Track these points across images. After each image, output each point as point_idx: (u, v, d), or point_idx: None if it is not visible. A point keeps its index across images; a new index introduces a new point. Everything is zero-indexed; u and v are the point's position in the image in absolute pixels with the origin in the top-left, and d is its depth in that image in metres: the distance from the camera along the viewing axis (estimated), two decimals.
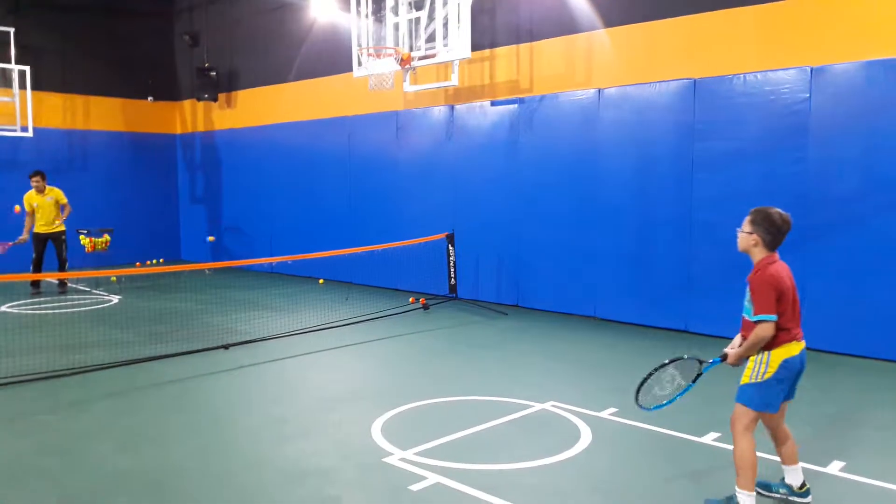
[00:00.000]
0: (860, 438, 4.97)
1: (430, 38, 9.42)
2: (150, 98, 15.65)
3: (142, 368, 6.81)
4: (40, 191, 11.35)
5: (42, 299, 10.82)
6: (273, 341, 7.93)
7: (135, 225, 14.85)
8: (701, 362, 3.86)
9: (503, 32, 10.02)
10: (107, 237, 11.87)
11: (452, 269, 10.09)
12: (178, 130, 16.17)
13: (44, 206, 11.33)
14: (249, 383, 6.36)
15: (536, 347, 7.66)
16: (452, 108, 10.52)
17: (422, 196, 10.99)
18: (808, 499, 3.87)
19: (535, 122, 9.53)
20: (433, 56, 9.26)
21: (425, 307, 9.83)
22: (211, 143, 15.24)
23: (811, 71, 7.29)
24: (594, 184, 8.96)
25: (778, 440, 3.91)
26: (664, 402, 3.80)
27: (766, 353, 3.66)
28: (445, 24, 9.09)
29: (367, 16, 9.79)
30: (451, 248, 10.02)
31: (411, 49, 9.46)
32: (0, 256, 11.10)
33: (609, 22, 9.00)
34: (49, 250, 11.47)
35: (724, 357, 3.76)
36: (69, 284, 11.92)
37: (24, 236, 11.33)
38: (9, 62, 12.86)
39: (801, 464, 3.96)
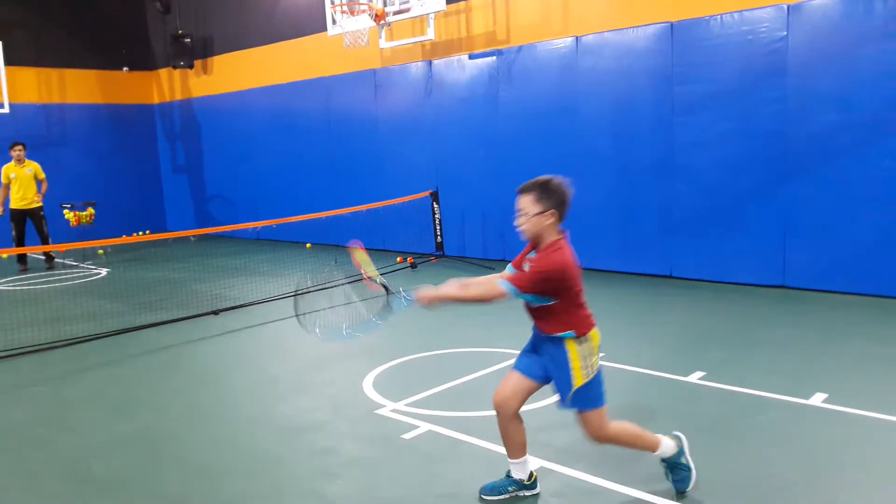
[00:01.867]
0: (839, 369, 5.05)
1: None
2: (125, 69, 15.38)
3: (134, 337, 6.82)
4: (20, 161, 11.11)
5: (31, 275, 10.75)
6: (263, 305, 7.92)
7: (118, 197, 14.74)
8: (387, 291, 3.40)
9: None
10: (91, 210, 11.76)
11: (438, 227, 10.07)
12: (156, 100, 15.92)
13: (22, 178, 11.09)
14: (241, 347, 6.39)
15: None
16: (430, 63, 10.38)
17: (404, 154, 10.90)
18: (538, 489, 3.38)
19: (513, 74, 9.42)
20: (408, 11, 9.12)
21: (413, 266, 9.82)
22: (189, 111, 15.02)
23: (788, 8, 7.22)
24: (575, 133, 8.90)
25: (511, 428, 3.26)
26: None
27: (585, 344, 3.10)
28: None
29: None
30: (435, 205, 9.99)
31: (385, 4, 9.28)
32: None
33: None
34: (30, 229, 11.32)
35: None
36: (56, 259, 11.85)
37: (0, 209, 11.10)
38: None
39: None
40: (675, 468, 3.28)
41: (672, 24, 7.99)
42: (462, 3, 9.98)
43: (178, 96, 15.32)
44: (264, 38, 13.17)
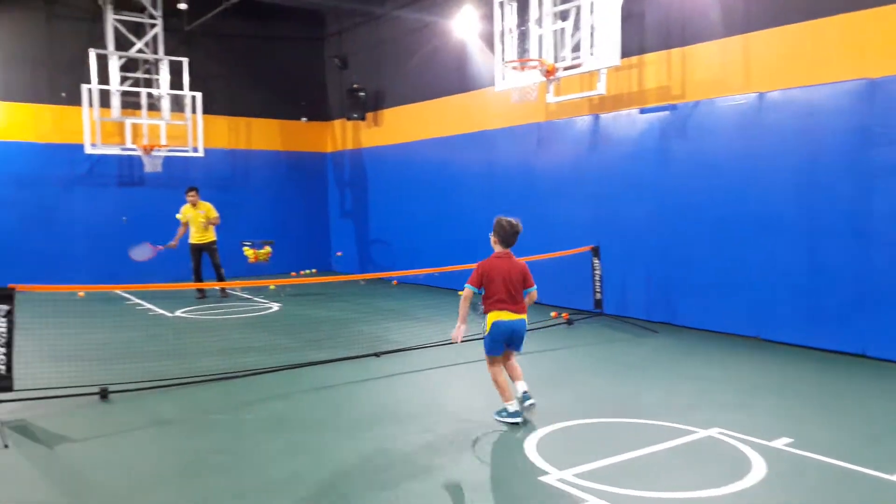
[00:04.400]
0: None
1: (576, 48, 9.16)
2: (303, 119, 16.37)
3: (302, 373, 7.01)
4: (193, 205, 12.13)
5: (208, 305, 11.49)
6: (420, 351, 7.93)
7: (290, 236, 15.54)
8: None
9: (653, 37, 9.57)
10: (268, 248, 12.47)
11: (598, 284, 9.69)
12: (329, 149, 16.80)
13: (195, 219, 12.10)
14: (399, 392, 6.37)
15: (693, 369, 7.13)
16: (597, 117, 10.17)
17: (564, 208, 10.69)
18: (532, 400, 5.41)
19: (688, 130, 9.01)
20: (579, 66, 8.99)
21: (569, 322, 9.52)
22: (359, 160, 15.70)
23: None
24: (754, 194, 8.30)
25: (508, 369, 5.51)
26: None
27: (484, 316, 5.32)
28: (592, 33, 8.80)
29: (510, 29, 9.68)
30: (596, 261, 9.64)
31: (556, 60, 9.23)
32: (149, 261, 11.94)
33: (769, 22, 8.35)
34: (205, 260, 12.21)
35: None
36: (230, 292, 12.64)
37: (173, 243, 12.06)
38: (183, 89, 13.85)
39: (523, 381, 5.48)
40: (503, 412, 5.35)
41: (872, 81, 7.29)
42: (635, 58, 9.74)
43: (350, 146, 16.08)
44: (432, 92, 13.53)
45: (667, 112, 9.26)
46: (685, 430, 5.16)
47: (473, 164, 12.40)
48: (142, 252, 11.82)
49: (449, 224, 13.04)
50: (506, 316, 5.22)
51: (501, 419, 5.35)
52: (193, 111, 13.86)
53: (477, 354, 7.72)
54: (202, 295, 12.22)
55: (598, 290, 9.68)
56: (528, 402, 5.38)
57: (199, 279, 12.14)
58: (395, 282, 13.88)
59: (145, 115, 13.52)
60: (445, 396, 6.30)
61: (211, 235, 12.19)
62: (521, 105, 10.51)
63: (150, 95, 13.66)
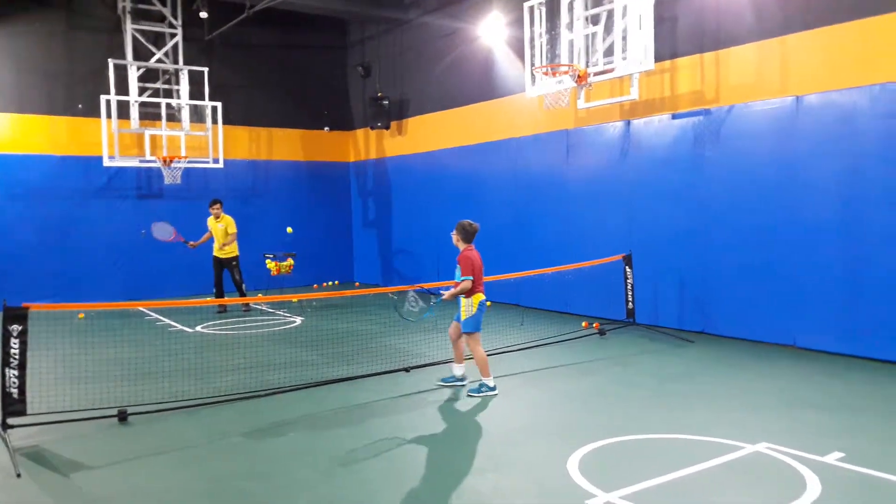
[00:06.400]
0: None
1: (608, 52, 9.11)
2: (325, 128, 16.45)
3: (331, 390, 6.94)
4: (217, 217, 12.22)
5: (229, 320, 11.49)
6: (450, 366, 7.80)
7: (312, 248, 15.59)
8: (431, 294, 6.62)
9: (686, 41, 9.49)
10: (290, 261, 12.47)
11: (630, 293, 9.61)
12: (352, 158, 16.87)
13: (216, 232, 12.18)
14: (432, 410, 6.30)
15: (732, 380, 7.03)
16: (629, 123, 10.11)
17: (595, 216, 10.65)
18: (466, 382, 6.89)
19: (722, 135, 8.92)
20: (611, 70, 8.93)
21: (601, 333, 9.44)
22: (382, 169, 15.74)
23: None
24: (792, 199, 8.20)
25: (458, 348, 6.85)
26: (415, 317, 6.61)
27: (468, 299, 6.57)
28: (624, 37, 8.74)
29: (540, 35, 9.64)
30: (628, 269, 9.56)
31: (587, 65, 9.18)
32: (168, 244, 12.12)
33: (807, 24, 8.23)
34: (226, 274, 12.25)
35: (443, 296, 6.56)
36: (253, 306, 12.63)
37: (193, 243, 12.18)
38: (203, 99, 13.96)
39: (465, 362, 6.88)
40: (483, 387, 6.64)
41: None
42: (668, 62, 9.66)
43: (373, 155, 16.12)
44: (458, 100, 13.54)
45: (700, 117, 9.17)
46: (732, 446, 5.06)
47: (501, 172, 12.39)
48: (164, 231, 11.90)
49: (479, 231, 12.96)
50: (483, 297, 6.67)
51: (480, 394, 6.54)
52: (214, 121, 13.98)
53: (508, 367, 7.75)
54: (223, 309, 12.25)
55: (630, 299, 9.61)
56: (461, 385, 6.88)
57: (220, 293, 12.19)
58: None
59: (164, 126, 13.65)
60: (480, 412, 6.22)
61: (233, 251, 12.21)
62: (550, 112, 10.48)
63: (169, 106, 13.80)
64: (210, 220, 12.28)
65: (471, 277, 6.53)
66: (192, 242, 12.21)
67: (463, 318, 6.67)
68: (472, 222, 6.82)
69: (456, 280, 6.65)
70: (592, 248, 10.41)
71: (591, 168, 10.74)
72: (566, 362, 7.97)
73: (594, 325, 9.80)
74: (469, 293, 6.59)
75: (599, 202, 10.58)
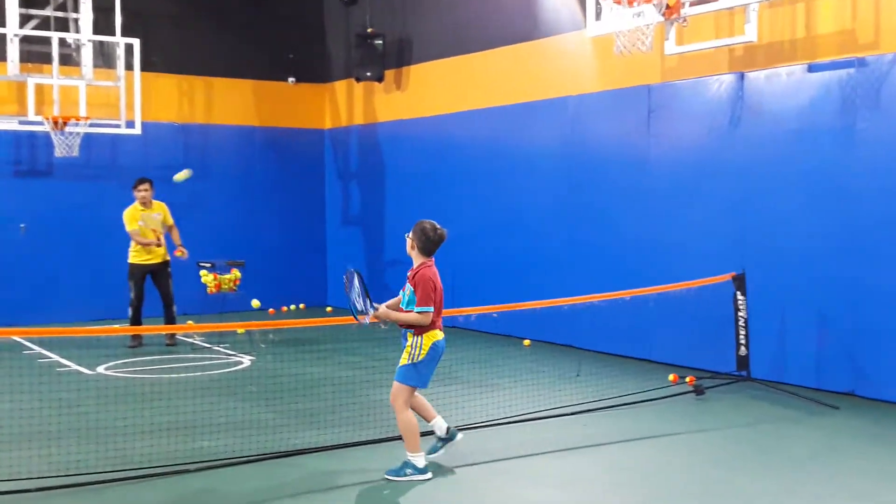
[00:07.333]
0: None
1: None
2: (290, 79, 16.46)
3: (292, 465, 6.91)
4: (146, 203, 12.10)
5: (145, 356, 11.43)
6: (471, 433, 7.76)
7: (267, 255, 15.55)
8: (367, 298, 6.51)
9: None
10: (236, 273, 12.40)
11: (742, 332, 9.51)
12: (328, 124, 16.89)
13: (150, 225, 12.08)
14: (451, 499, 6.28)
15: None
16: (742, 76, 10.08)
17: (689, 213, 10.61)
18: (459, 436, 6.83)
19: (883, 96, 8.87)
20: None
21: (697, 391, 9.37)
22: (372, 139, 15.72)
23: None
24: None
25: (417, 408, 6.73)
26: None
27: (418, 337, 6.45)
28: None
29: None
30: (739, 297, 9.49)
31: None
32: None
33: None
34: (150, 285, 12.21)
35: (377, 310, 6.48)
36: (179, 338, 12.62)
37: (181, 248, 12.28)
38: (113, 34, 13.85)
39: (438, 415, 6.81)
40: (408, 467, 6.47)
41: None
42: None
43: (359, 119, 16.09)
44: (483, 40, 13.50)
45: (851, 69, 9.14)
46: None
47: (546, 147, 12.35)
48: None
49: (507, 238, 12.97)
50: (440, 335, 6.63)
51: (401, 478, 6.48)
52: (128, 67, 13.87)
53: (558, 438, 7.64)
54: (137, 342, 12.16)
55: (742, 341, 9.55)
56: (458, 437, 6.87)
57: (137, 318, 12.10)
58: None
59: (56, 73, 13.56)
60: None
61: (164, 252, 12.24)
62: (624, 59, 10.41)
63: (63, 43, 13.72)
64: (135, 209, 12.15)
65: (431, 309, 6.46)
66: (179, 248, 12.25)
67: (402, 362, 6.57)
68: (437, 226, 6.78)
69: (403, 307, 6.62)
70: (684, 262, 10.38)
71: (683, 142, 10.71)
72: (645, 433, 7.92)
73: (687, 379, 9.74)
74: (420, 329, 6.49)
75: (697, 192, 10.54)
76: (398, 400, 6.53)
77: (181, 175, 12.19)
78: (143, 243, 12.04)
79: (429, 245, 6.71)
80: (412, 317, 6.42)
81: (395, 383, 6.54)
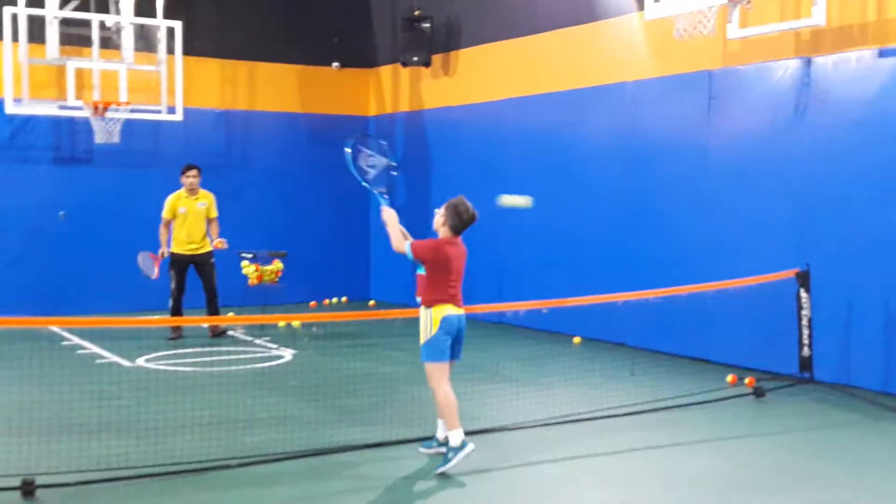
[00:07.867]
0: None
1: None
2: (335, 64, 16.45)
3: (335, 463, 6.96)
4: (193, 191, 12.14)
5: (186, 349, 11.52)
6: (519, 433, 7.87)
7: (310, 247, 15.60)
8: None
9: None
10: (278, 264, 12.43)
11: (806, 331, 9.44)
12: (373, 111, 16.90)
13: (194, 215, 12.12)
14: (509, 500, 6.26)
15: None
16: (809, 61, 9.92)
17: (750, 206, 10.51)
18: (463, 449, 6.66)
19: None
20: None
21: (757, 393, 9.28)
22: (418, 127, 15.71)
23: None
24: None
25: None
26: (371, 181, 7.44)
27: (428, 311, 6.69)
28: None
29: None
30: (803, 295, 9.39)
31: None
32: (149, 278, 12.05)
33: None
34: (192, 277, 12.28)
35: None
36: (223, 329, 12.71)
37: (165, 249, 12.19)
38: (154, 17, 13.84)
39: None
40: (450, 451, 6.57)
41: None
42: None
43: (405, 106, 16.09)
44: (536, 24, 13.43)
45: None
46: None
47: (601, 135, 12.33)
48: (147, 265, 12.03)
49: (557, 231, 12.92)
50: (453, 311, 6.75)
51: (447, 466, 6.57)
52: (170, 51, 13.91)
53: (610, 440, 7.62)
54: (177, 334, 12.21)
55: (805, 342, 9.52)
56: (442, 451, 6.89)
57: (178, 309, 12.17)
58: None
59: (97, 56, 13.62)
60: None
61: (208, 243, 12.30)
62: (684, 43, 10.39)
63: (104, 26, 13.77)
64: (177, 198, 12.22)
65: (409, 246, 6.82)
66: (162, 251, 12.23)
67: (421, 340, 6.81)
68: (469, 205, 6.86)
69: (419, 272, 7.17)
70: (744, 258, 10.32)
71: (745, 131, 10.59)
72: (702, 437, 7.92)
73: (746, 380, 9.63)
74: (429, 302, 6.75)
75: (758, 184, 10.42)
76: (432, 378, 6.78)
77: (514, 200, 10.65)
78: (161, 240, 12.14)
79: (459, 224, 6.80)
80: (396, 237, 6.91)
81: (424, 364, 6.82)
